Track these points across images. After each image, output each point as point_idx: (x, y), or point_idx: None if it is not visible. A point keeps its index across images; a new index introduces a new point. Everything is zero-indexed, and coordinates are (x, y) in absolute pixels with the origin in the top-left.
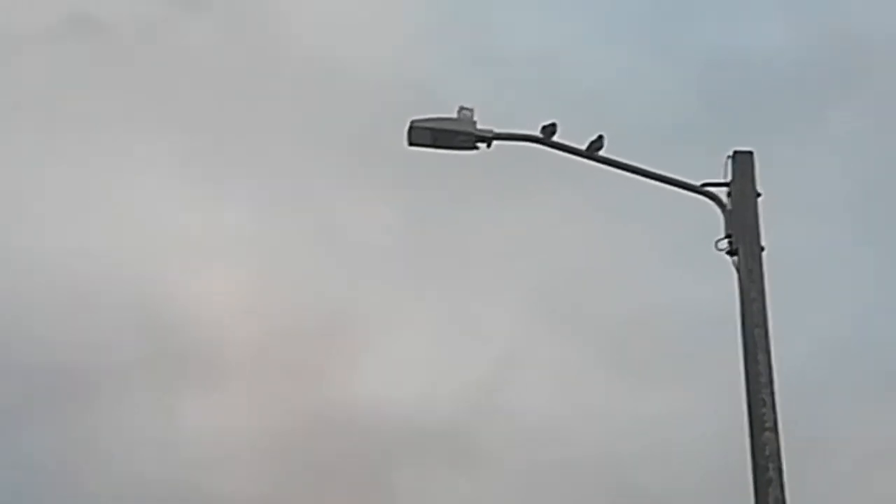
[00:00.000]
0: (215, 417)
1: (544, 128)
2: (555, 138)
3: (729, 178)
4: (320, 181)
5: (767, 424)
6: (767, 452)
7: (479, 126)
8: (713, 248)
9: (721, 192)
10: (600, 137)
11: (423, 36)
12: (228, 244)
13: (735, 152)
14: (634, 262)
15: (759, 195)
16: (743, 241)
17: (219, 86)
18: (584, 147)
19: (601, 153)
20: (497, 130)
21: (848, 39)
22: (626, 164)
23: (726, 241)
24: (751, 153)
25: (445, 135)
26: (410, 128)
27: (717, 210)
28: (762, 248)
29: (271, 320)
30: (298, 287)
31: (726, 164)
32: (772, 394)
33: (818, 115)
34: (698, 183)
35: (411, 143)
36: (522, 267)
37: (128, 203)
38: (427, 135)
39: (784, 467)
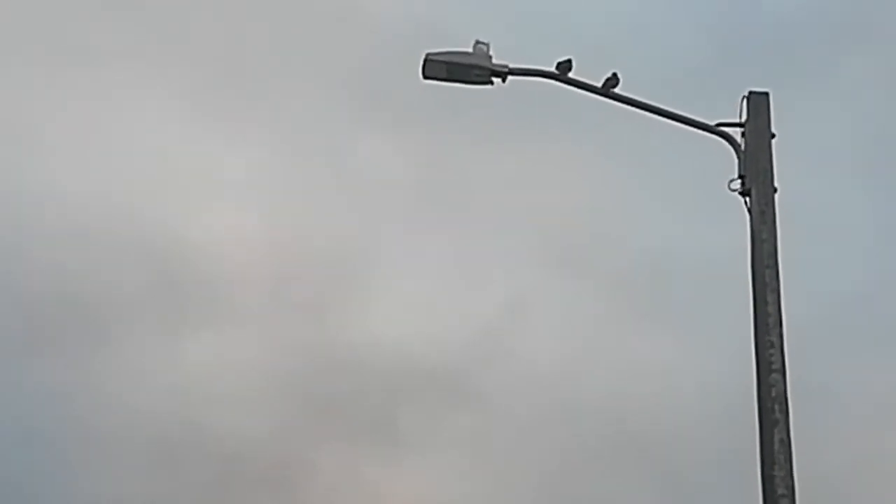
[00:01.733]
0: (221, 354)
1: (559, 64)
2: (570, 76)
3: (744, 119)
4: (331, 118)
5: (775, 366)
6: (774, 394)
7: (494, 61)
8: (726, 190)
9: (735, 133)
10: (615, 75)
11: None
12: (238, 181)
13: (750, 93)
14: (647, 204)
15: (773, 136)
16: (756, 181)
17: (229, 23)
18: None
19: (616, 91)
20: (512, 66)
21: None
22: (640, 102)
23: (739, 181)
24: (766, 94)
25: (461, 68)
26: (425, 61)
27: (732, 151)
28: (775, 190)
29: (280, 258)
30: (307, 225)
31: (741, 105)
32: (780, 335)
33: (831, 63)
34: (713, 123)
35: (426, 77)
36: (534, 207)
37: (137, 138)
38: (442, 68)
39: (790, 410)
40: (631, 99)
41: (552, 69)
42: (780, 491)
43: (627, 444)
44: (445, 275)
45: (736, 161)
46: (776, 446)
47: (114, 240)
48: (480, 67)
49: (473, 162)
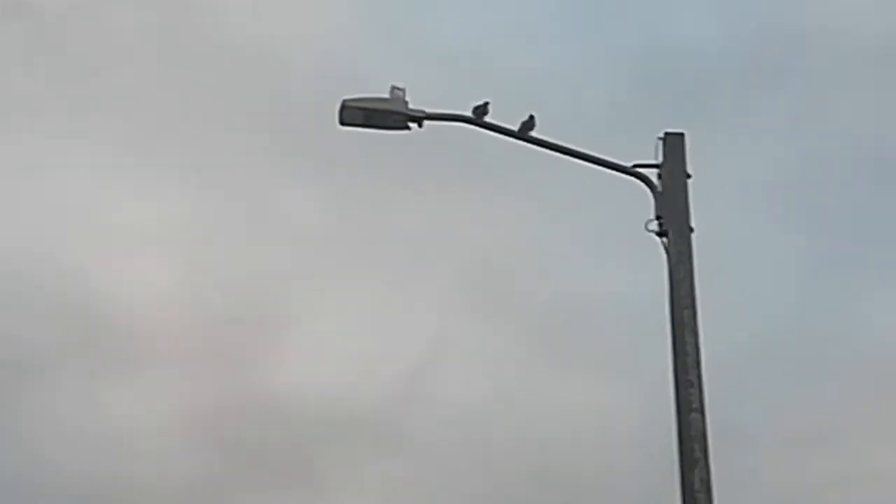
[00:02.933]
0: (143, 405)
1: (476, 108)
2: (486, 120)
3: (660, 160)
4: (251, 165)
5: (694, 405)
6: (693, 433)
7: (410, 106)
8: (644, 231)
9: (652, 174)
10: (531, 118)
11: (356, 20)
12: (158, 230)
13: (666, 134)
14: (565, 247)
15: (689, 176)
16: (672, 222)
17: (150, 69)
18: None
19: (532, 134)
20: (429, 111)
21: (779, 31)
22: (557, 146)
23: (656, 222)
24: (681, 135)
25: (377, 114)
26: (343, 107)
27: (648, 192)
28: (691, 230)
29: (200, 306)
30: (228, 273)
31: (657, 146)
32: (699, 375)
33: (746, 104)
34: (629, 165)
35: (343, 123)
36: (453, 252)
37: (54, 187)
38: (359, 114)
39: (710, 449)
40: (548, 142)
41: (469, 114)
42: None
43: (548, 487)
44: (366, 321)
45: (653, 202)
46: (696, 485)
47: (31, 292)
48: (397, 113)
49: (393, 207)
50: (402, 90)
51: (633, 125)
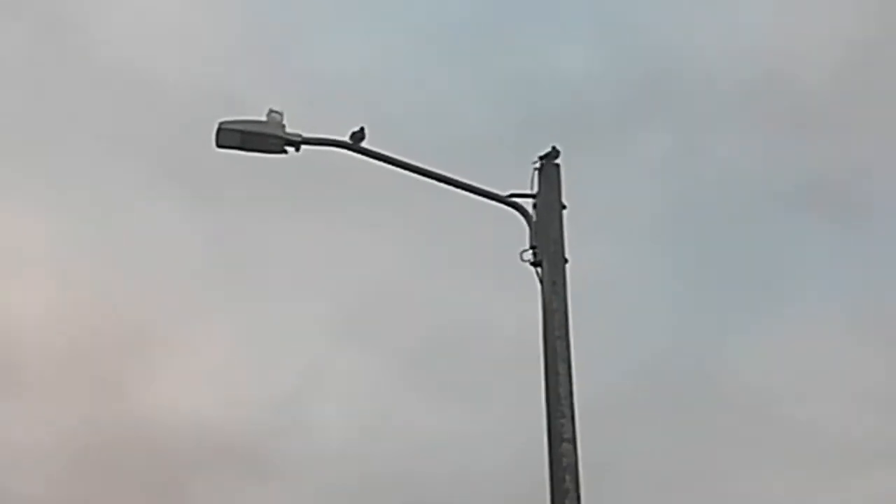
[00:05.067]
0: (11, 429)
1: (353, 134)
2: (363, 145)
3: (535, 190)
4: (128, 187)
5: (566, 436)
6: (565, 464)
7: (288, 130)
8: (518, 260)
9: (527, 204)
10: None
11: (235, 48)
12: (32, 251)
13: (542, 163)
14: (442, 275)
15: (564, 207)
16: (547, 252)
17: (26, 89)
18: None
19: (410, 162)
20: (305, 135)
21: (657, 67)
22: (434, 173)
23: (531, 252)
24: (557, 165)
25: (254, 137)
26: (219, 129)
27: (524, 221)
28: (566, 260)
29: (75, 331)
30: (101, 297)
31: (533, 176)
32: (571, 406)
33: (626, 139)
34: (505, 194)
35: (219, 146)
36: (328, 279)
37: None
38: (236, 137)
39: (581, 480)
40: (425, 169)
41: (345, 139)
42: None
43: None
44: (241, 346)
45: (527, 231)
46: None
47: None
48: (274, 136)
49: (270, 233)
50: (280, 114)
51: (511, 155)
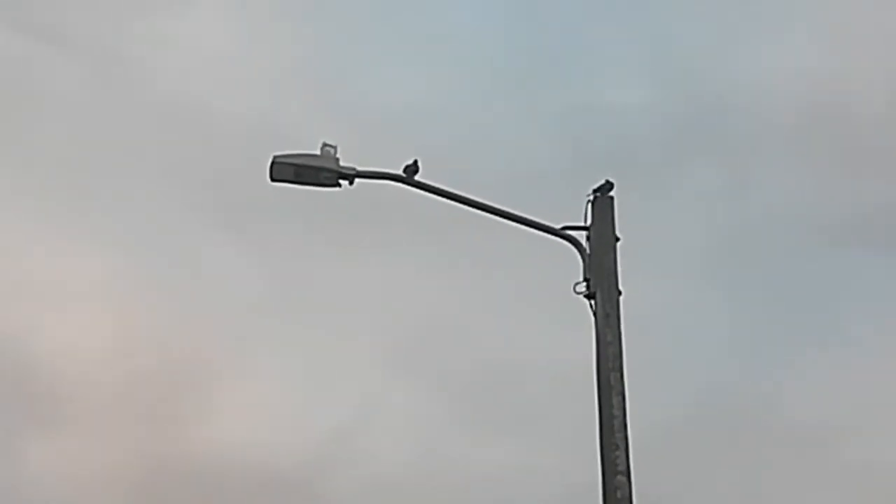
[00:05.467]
0: (67, 463)
1: (407, 167)
2: (417, 179)
3: (589, 222)
4: (181, 222)
5: (620, 468)
6: (619, 496)
7: (341, 164)
8: (572, 293)
9: (581, 237)
10: (415, 161)
11: (286, 82)
12: (87, 288)
13: (595, 196)
14: (494, 308)
15: (618, 239)
16: (601, 284)
17: (82, 127)
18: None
19: (463, 195)
20: (360, 168)
21: (707, 98)
22: (487, 206)
23: (584, 284)
24: (611, 197)
25: (308, 170)
26: (273, 163)
27: (577, 254)
28: (620, 293)
29: (129, 365)
30: (157, 331)
31: (586, 208)
32: (625, 438)
33: (677, 171)
34: (558, 226)
35: (273, 179)
36: (382, 313)
37: None
38: (290, 170)
39: None
40: (478, 202)
41: (399, 172)
42: None
43: None
44: (294, 381)
45: (581, 264)
46: None
47: None
48: (328, 170)
49: (322, 267)
50: (334, 147)
51: (563, 188)
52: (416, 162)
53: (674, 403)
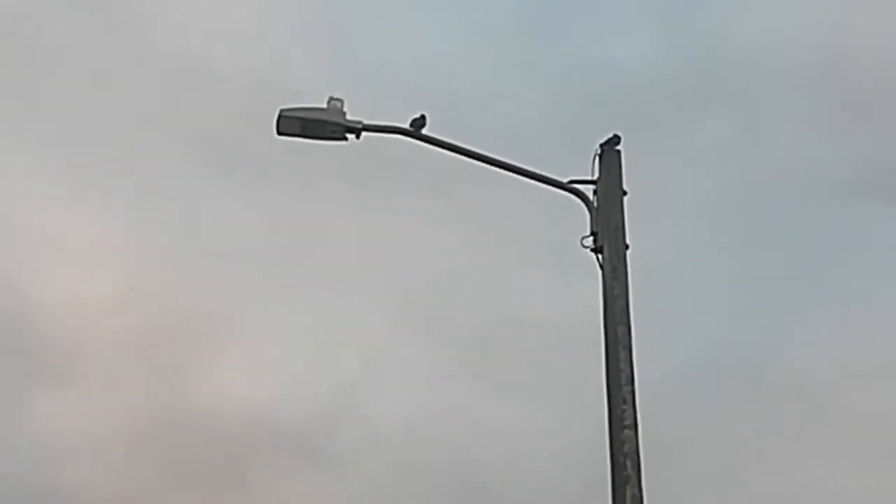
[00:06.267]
0: (71, 416)
1: (414, 121)
2: (424, 132)
3: (596, 176)
4: (185, 177)
5: (627, 422)
6: (626, 450)
7: (348, 118)
8: (579, 247)
9: (588, 190)
10: (422, 116)
11: (292, 38)
12: (90, 242)
13: (602, 150)
14: (501, 263)
15: (625, 193)
16: (608, 238)
17: (85, 82)
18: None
19: (470, 148)
20: (366, 122)
21: (714, 52)
22: (494, 160)
23: (591, 238)
24: (618, 151)
25: (315, 124)
26: (280, 117)
27: (584, 208)
28: (627, 246)
29: (132, 320)
30: (160, 286)
31: (593, 162)
32: (632, 392)
33: (685, 125)
34: (565, 180)
35: (280, 133)
36: (387, 268)
37: None
38: (297, 124)
39: (642, 466)
40: (485, 156)
41: (406, 126)
42: None
43: None
44: (300, 335)
45: (588, 218)
46: (628, 502)
47: None
48: (335, 123)
49: (328, 222)
50: (340, 101)
51: (570, 142)
52: (423, 116)
53: (680, 357)
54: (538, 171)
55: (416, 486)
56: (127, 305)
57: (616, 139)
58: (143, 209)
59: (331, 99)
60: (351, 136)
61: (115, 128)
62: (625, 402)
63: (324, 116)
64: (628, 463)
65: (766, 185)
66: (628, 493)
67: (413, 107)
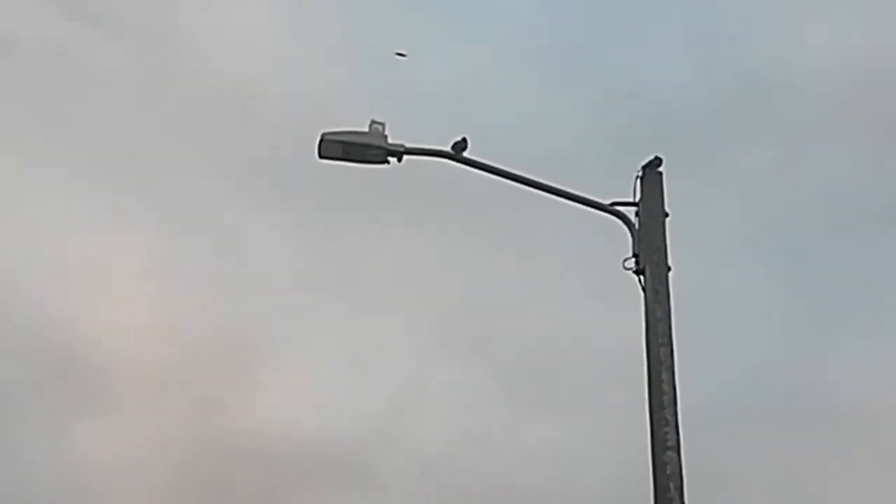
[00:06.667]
0: (113, 444)
1: (455, 144)
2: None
3: (638, 198)
4: (227, 202)
5: (670, 443)
6: (669, 472)
7: (389, 141)
8: (621, 269)
9: (630, 213)
10: (464, 139)
11: (334, 58)
12: (132, 269)
13: (644, 171)
14: (543, 286)
15: (667, 215)
16: (650, 260)
17: (126, 108)
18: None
19: (511, 171)
20: (408, 145)
21: (754, 78)
22: (536, 182)
23: (633, 260)
24: (660, 173)
25: (356, 148)
26: (322, 140)
27: (626, 230)
28: (669, 268)
29: (173, 347)
30: (203, 312)
31: (635, 184)
32: (675, 414)
33: (726, 151)
34: (607, 202)
35: (322, 156)
36: (429, 291)
37: (30, 225)
38: (338, 148)
39: (685, 488)
40: (527, 179)
41: (448, 149)
42: None
43: None
44: (339, 361)
45: (630, 240)
46: None
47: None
48: (376, 147)
49: (370, 247)
50: (382, 124)
51: (610, 168)
52: (464, 139)
53: (722, 380)
54: (580, 193)
55: None
56: (169, 331)
57: (658, 161)
58: (187, 234)
59: (372, 122)
60: (393, 160)
61: (158, 155)
62: (667, 423)
63: (365, 140)
64: (671, 485)
65: (808, 210)
66: None
67: (455, 131)
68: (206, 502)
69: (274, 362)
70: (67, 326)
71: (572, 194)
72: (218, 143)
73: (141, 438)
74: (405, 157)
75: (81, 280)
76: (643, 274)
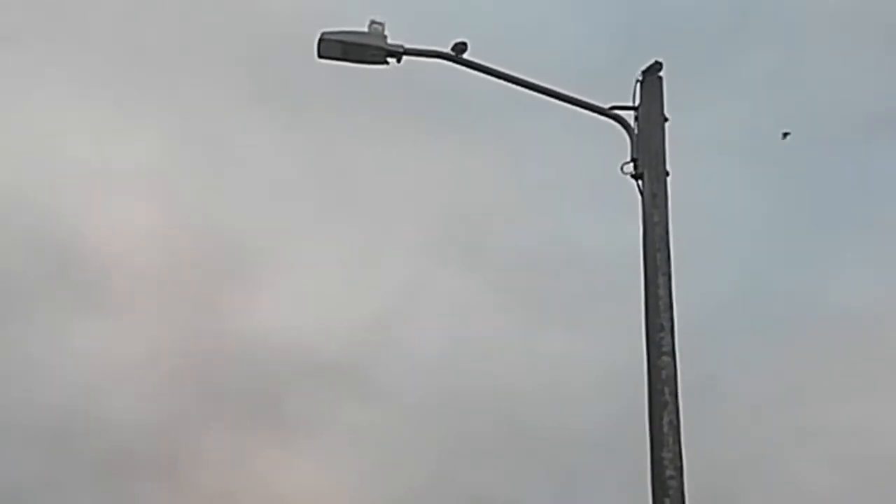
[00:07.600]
0: (111, 344)
1: (455, 45)
2: (465, 57)
3: (637, 102)
4: (226, 108)
5: (665, 349)
6: (664, 376)
7: (389, 41)
8: (619, 174)
9: (629, 117)
10: (464, 42)
11: None
12: (131, 174)
13: (644, 75)
14: (540, 190)
15: (666, 120)
16: (648, 164)
17: (126, 10)
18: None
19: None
20: (407, 46)
21: None
22: (535, 85)
23: (632, 164)
24: (660, 77)
25: (356, 48)
26: (321, 40)
27: (625, 134)
28: (667, 173)
29: (171, 251)
30: (200, 217)
31: (635, 88)
32: (671, 318)
33: (726, 59)
34: (606, 106)
35: (321, 56)
36: (426, 197)
37: (30, 129)
38: (337, 47)
39: (679, 393)
40: (526, 81)
41: (447, 50)
42: (669, 472)
43: (516, 434)
44: (337, 266)
45: (629, 144)
46: (665, 428)
47: (6, 226)
48: (376, 47)
49: (366, 153)
50: (382, 25)
51: (610, 71)
52: (464, 42)
53: (717, 286)
54: (579, 96)
55: (454, 414)
56: (167, 235)
57: (658, 66)
58: (184, 140)
59: (372, 23)
60: (392, 61)
61: (157, 59)
62: (663, 329)
63: (365, 40)
64: (666, 389)
65: (809, 118)
66: (665, 420)
67: (454, 34)
68: (201, 404)
69: (271, 267)
70: (65, 229)
71: (571, 97)
72: (214, 44)
73: (138, 340)
74: (404, 57)
75: (82, 184)
76: (641, 178)
